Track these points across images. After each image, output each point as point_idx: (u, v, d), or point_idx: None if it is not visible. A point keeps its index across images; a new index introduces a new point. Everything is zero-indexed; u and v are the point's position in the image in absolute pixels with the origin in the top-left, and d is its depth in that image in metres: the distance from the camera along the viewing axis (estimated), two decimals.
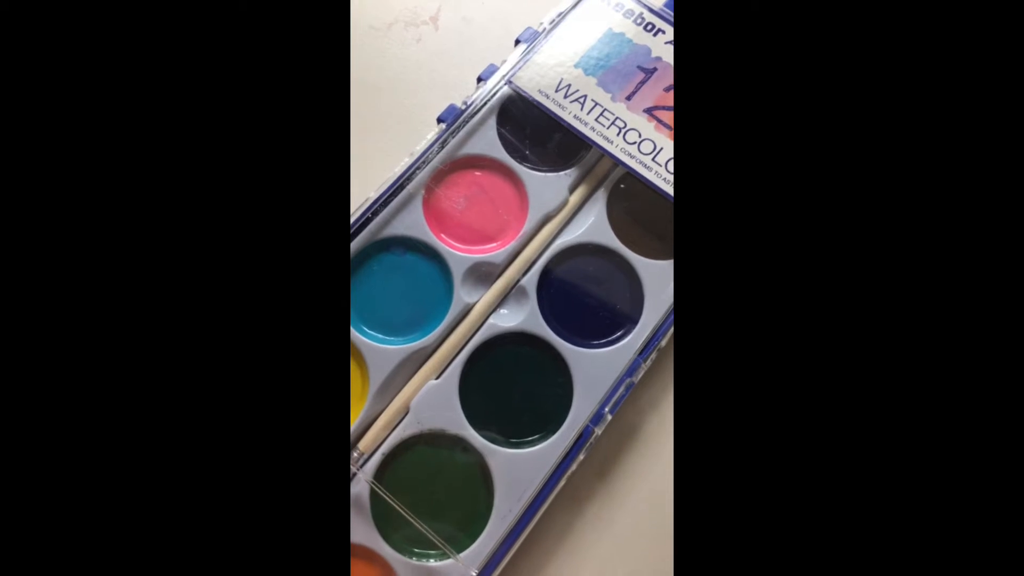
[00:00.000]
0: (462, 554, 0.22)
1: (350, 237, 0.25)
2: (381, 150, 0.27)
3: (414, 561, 0.22)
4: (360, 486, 0.22)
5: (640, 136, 0.26)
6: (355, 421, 0.23)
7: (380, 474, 0.23)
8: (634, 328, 0.25)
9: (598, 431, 0.23)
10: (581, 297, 0.25)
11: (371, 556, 0.22)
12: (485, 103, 0.27)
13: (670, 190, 0.25)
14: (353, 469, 0.22)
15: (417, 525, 0.21)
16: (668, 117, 0.26)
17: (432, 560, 0.22)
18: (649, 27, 0.28)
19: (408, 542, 0.22)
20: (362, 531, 0.22)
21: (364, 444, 0.23)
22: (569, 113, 0.26)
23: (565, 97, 0.27)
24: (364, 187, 0.25)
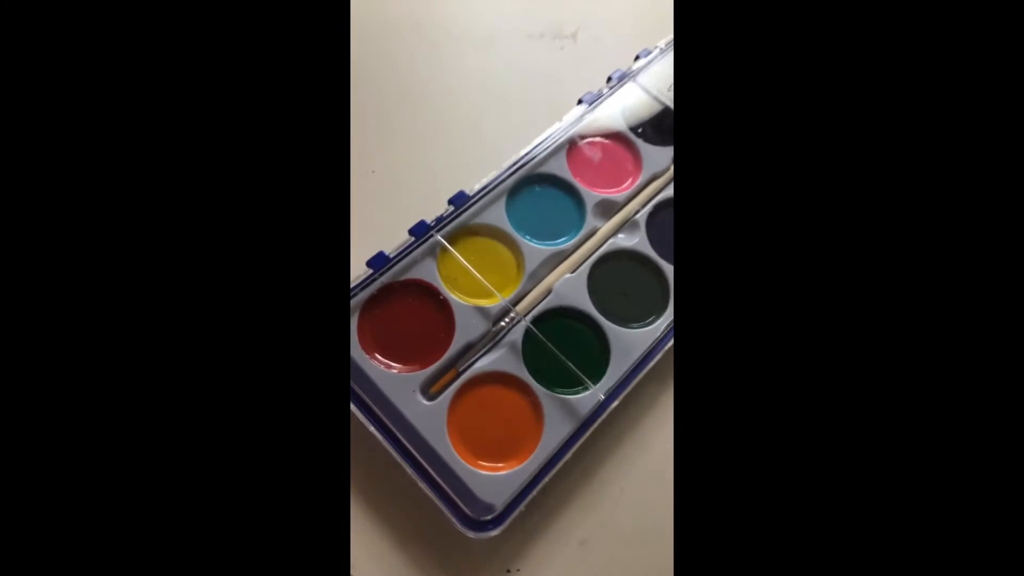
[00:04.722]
0: (597, 385, 0.29)
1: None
2: (536, 118, 0.36)
3: (554, 393, 0.29)
4: (515, 335, 0.30)
5: None
6: (512, 293, 0.31)
7: (528, 332, 0.31)
8: None
9: None
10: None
11: (524, 388, 0.29)
12: (613, 92, 0.37)
13: None
14: (512, 321, 0.30)
15: (562, 359, 0.29)
16: None
17: (565, 394, 0.29)
18: None
19: (548, 381, 0.30)
20: (517, 368, 0.30)
21: (518, 309, 0.31)
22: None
23: (675, 94, 0.37)
24: (527, 141, 0.35)
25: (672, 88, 0.37)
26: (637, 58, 0.39)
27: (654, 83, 0.37)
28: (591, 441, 0.29)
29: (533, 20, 0.41)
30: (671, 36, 0.39)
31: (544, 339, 0.30)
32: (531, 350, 0.30)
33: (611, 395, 0.29)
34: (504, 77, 0.40)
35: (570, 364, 0.29)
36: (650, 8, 0.44)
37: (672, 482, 0.30)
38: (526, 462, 0.27)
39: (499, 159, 0.34)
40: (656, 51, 0.39)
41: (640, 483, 0.30)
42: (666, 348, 0.31)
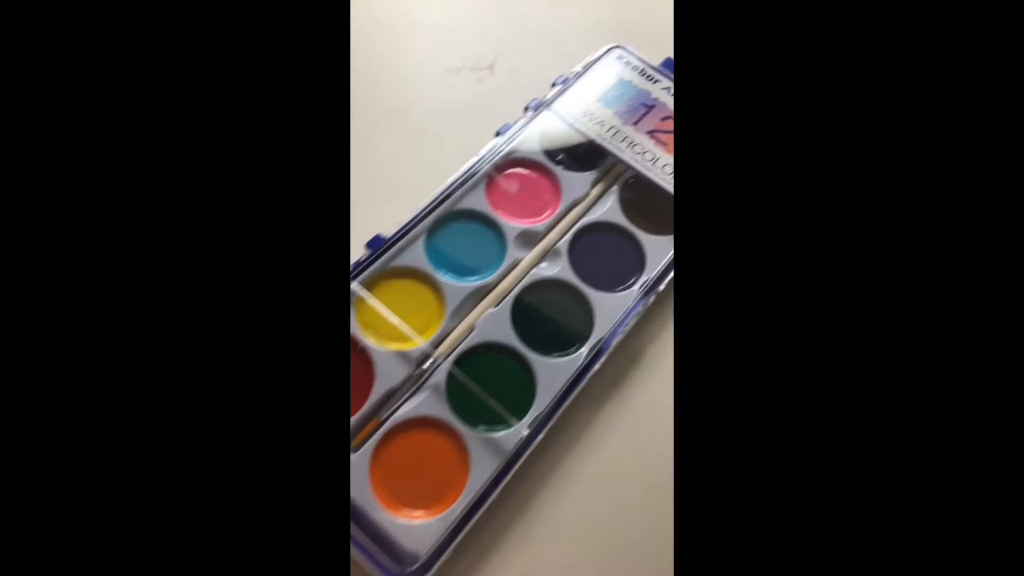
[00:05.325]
0: (521, 421, 0.29)
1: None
2: (455, 153, 0.36)
3: (478, 432, 0.29)
4: (438, 376, 0.30)
5: (644, 149, 0.36)
6: (434, 335, 0.31)
7: (450, 373, 0.31)
8: (638, 281, 0.34)
9: (612, 348, 0.32)
10: (600, 257, 0.34)
11: (449, 430, 0.29)
12: (529, 122, 0.37)
13: (664, 185, 0.35)
14: (434, 364, 0.30)
15: (485, 399, 0.29)
16: (664, 137, 0.37)
17: (490, 432, 0.29)
18: (650, 78, 0.39)
19: (473, 420, 0.30)
20: (440, 411, 0.29)
21: (440, 350, 0.31)
22: (594, 131, 0.37)
23: (591, 121, 0.37)
24: (444, 177, 0.35)
25: (588, 114, 0.37)
26: (554, 85, 0.39)
27: (570, 110, 0.37)
28: (520, 476, 0.29)
29: (449, 54, 0.42)
30: (587, 59, 0.40)
31: (465, 379, 0.30)
32: (455, 391, 0.30)
33: (537, 427, 0.29)
34: (422, 115, 0.40)
35: (491, 403, 0.29)
36: (567, 34, 0.44)
37: (605, 509, 0.30)
38: (452, 506, 0.27)
39: (418, 198, 0.34)
40: (572, 76, 0.39)
41: (575, 512, 0.30)
42: (592, 373, 0.31)
